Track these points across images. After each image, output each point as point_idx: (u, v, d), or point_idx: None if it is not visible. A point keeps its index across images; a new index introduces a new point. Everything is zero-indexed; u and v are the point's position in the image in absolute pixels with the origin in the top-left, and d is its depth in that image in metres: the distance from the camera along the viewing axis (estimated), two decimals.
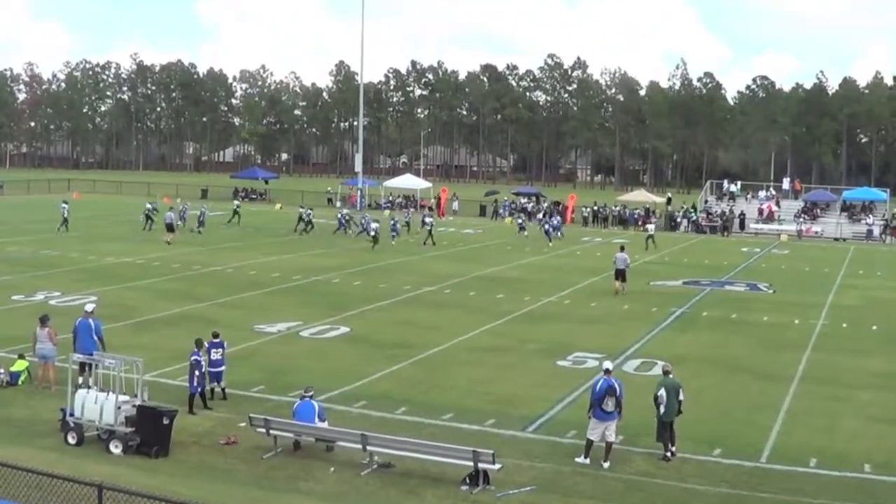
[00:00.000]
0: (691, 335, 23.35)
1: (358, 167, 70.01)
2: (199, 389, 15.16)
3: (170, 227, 39.91)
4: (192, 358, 15.25)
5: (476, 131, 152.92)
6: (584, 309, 26.60)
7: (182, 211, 48.37)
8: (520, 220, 52.50)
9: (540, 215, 54.99)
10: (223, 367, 15.86)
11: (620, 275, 29.60)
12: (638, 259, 39.67)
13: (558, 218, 52.05)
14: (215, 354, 15.66)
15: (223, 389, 15.68)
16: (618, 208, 61.88)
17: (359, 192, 67.60)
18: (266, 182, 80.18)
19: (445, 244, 43.67)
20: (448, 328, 22.89)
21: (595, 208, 61.49)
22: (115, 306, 23.85)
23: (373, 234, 40.78)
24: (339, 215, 48.26)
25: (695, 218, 58.95)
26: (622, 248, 30.66)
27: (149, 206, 46.27)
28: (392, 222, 44.13)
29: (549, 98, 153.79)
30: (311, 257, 37.05)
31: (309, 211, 48.04)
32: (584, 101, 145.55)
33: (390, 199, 70.74)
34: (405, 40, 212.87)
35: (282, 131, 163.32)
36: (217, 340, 15.93)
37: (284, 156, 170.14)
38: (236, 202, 52.79)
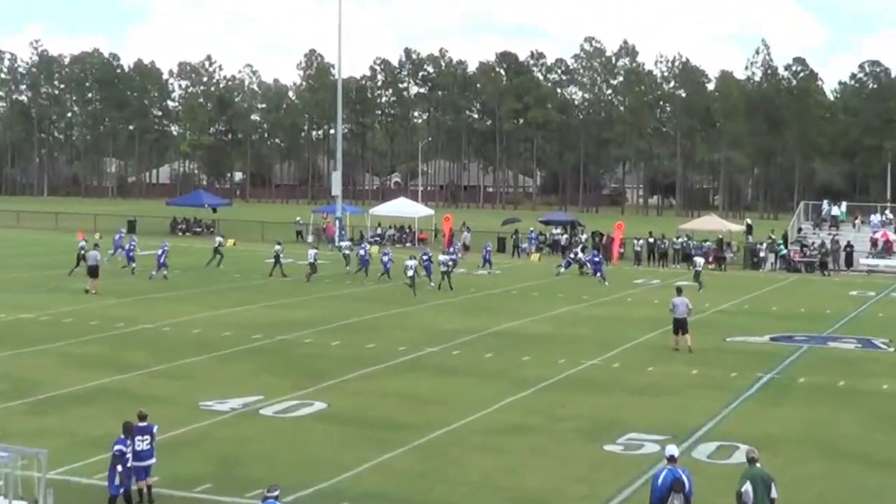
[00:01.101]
0: (784, 409, 23.38)
1: (336, 189, 70.52)
2: (124, 490, 15.07)
3: (93, 272, 39.97)
4: (116, 448, 15.21)
5: (491, 140, 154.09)
6: (638, 374, 26.70)
7: (128, 249, 48.83)
8: (571, 257, 52.76)
9: (577, 250, 54.82)
10: (152, 460, 15.85)
11: (680, 326, 29.74)
12: (708, 307, 39.84)
13: (596, 254, 52.23)
14: (141, 443, 15.63)
15: (149, 488, 15.60)
16: (680, 240, 62.17)
17: (337, 221, 67.93)
18: (214, 210, 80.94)
19: (452, 290, 44.04)
20: (457, 402, 23.03)
21: (650, 240, 61.71)
22: (9, 379, 23.96)
23: (410, 273, 41.94)
24: (346, 249, 49.21)
25: (784, 252, 59.15)
26: (680, 291, 30.99)
27: (82, 243, 46.71)
28: (426, 258, 45.65)
29: (587, 95, 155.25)
30: (275, 309, 37.35)
31: (278, 248, 48.29)
32: (633, 99, 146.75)
33: (378, 231, 71.10)
34: (396, 24, 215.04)
35: (235, 143, 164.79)
36: (144, 424, 15.90)
37: (238, 175, 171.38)
38: (219, 238, 53.33)
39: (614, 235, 63.31)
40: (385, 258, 46.87)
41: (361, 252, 48.74)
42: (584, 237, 66.06)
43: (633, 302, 42.70)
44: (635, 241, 62.04)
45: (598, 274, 49.25)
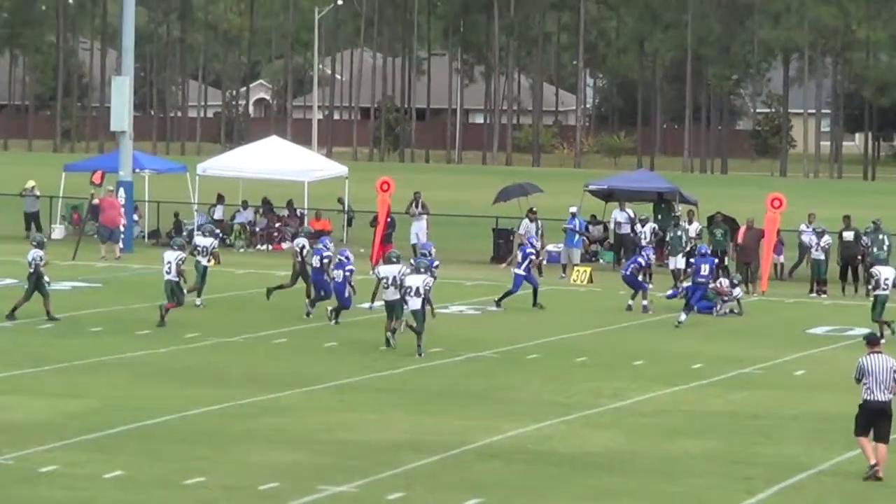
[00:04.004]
0: None
1: (120, 121, 64.57)
2: None
3: None
4: None
5: (479, 9, 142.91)
6: None
7: None
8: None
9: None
10: None
11: (878, 418, 26.78)
12: None
13: (706, 255, 49.04)
14: None
15: None
16: None
17: (122, 192, 63.25)
18: None
19: (391, 346, 41.30)
20: None
21: (848, 237, 57.13)
22: None
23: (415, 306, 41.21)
24: (202, 255, 47.98)
25: None
26: (873, 343, 27.84)
27: None
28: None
29: None
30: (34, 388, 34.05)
31: (38, 253, 45.87)
32: None
33: (215, 212, 68.22)
34: None
35: None
36: None
37: None
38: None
39: (766, 226, 56.46)
40: (345, 273, 44.99)
41: (336, 259, 46.68)
42: (692, 228, 58.85)
43: (805, 378, 38.44)
44: (814, 241, 54.88)
45: (694, 303, 47.03)
